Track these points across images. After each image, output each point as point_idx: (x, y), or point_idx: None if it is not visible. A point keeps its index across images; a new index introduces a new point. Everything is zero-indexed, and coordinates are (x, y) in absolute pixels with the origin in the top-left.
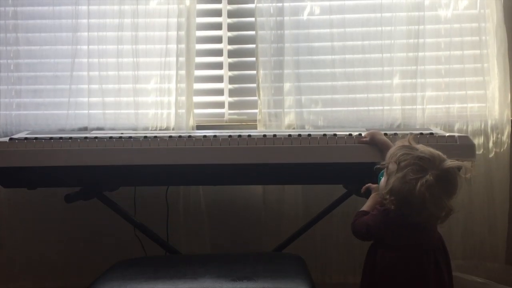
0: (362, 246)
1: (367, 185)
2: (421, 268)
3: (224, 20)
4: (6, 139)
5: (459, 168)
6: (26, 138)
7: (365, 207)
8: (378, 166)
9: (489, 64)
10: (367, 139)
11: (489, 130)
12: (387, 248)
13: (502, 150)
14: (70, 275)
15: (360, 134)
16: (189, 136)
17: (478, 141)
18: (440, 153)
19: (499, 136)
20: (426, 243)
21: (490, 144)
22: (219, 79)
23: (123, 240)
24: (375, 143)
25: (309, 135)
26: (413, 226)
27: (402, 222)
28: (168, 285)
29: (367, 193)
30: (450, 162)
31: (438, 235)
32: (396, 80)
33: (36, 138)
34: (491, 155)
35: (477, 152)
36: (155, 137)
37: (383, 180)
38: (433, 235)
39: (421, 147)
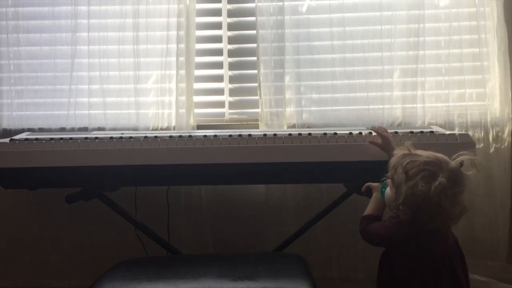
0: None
1: (367, 184)
2: (438, 276)
3: (224, 19)
4: (7, 140)
5: (461, 165)
6: (26, 139)
7: (370, 209)
8: (384, 179)
9: (489, 62)
10: (380, 142)
11: (489, 127)
12: (403, 258)
13: (503, 147)
14: (71, 275)
15: (360, 133)
16: (190, 136)
17: (478, 139)
18: (442, 155)
19: (500, 133)
20: (442, 249)
21: (490, 142)
22: (220, 78)
23: (124, 240)
24: (387, 151)
25: (310, 134)
26: (429, 233)
27: (417, 232)
28: (169, 285)
29: (368, 192)
30: (454, 162)
31: (453, 238)
32: (396, 79)
33: (36, 139)
34: (491, 151)
35: (477, 149)
36: (156, 137)
37: (388, 191)
38: (448, 239)
39: (422, 153)
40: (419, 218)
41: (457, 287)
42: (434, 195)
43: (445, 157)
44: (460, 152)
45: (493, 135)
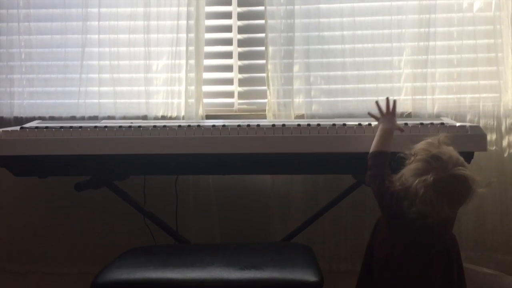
0: None
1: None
2: (424, 266)
3: (234, 9)
4: (17, 128)
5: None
6: (37, 127)
7: (379, 144)
8: (401, 155)
9: (503, 54)
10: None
11: (502, 119)
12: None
13: None
14: (80, 263)
15: (369, 124)
16: (198, 126)
17: (490, 130)
18: (462, 160)
19: None
20: (427, 239)
21: (503, 134)
22: (229, 68)
23: (133, 229)
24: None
25: (318, 124)
26: (412, 220)
27: (403, 214)
28: (177, 273)
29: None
30: (461, 170)
31: (451, 236)
32: (407, 70)
33: (46, 127)
34: (504, 143)
35: (489, 141)
36: (165, 126)
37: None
38: (438, 235)
39: (445, 148)
40: (403, 200)
41: (447, 281)
42: (415, 185)
43: (461, 163)
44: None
45: (505, 127)
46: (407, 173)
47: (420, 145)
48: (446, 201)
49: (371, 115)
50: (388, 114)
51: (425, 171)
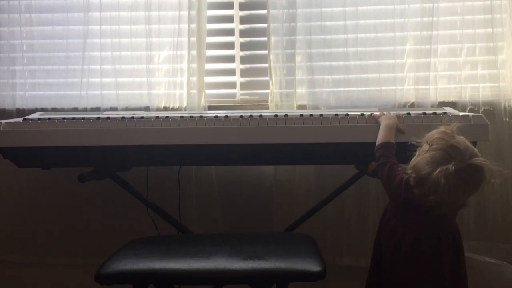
0: (374, 227)
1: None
2: (435, 254)
3: (235, 0)
4: (20, 119)
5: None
6: (39, 119)
7: (382, 137)
8: (413, 142)
9: (504, 43)
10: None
11: (502, 109)
12: (397, 219)
13: None
14: (84, 253)
15: (372, 114)
16: (201, 116)
17: (490, 120)
18: (476, 150)
19: None
20: (434, 229)
21: (504, 124)
22: (231, 59)
23: (136, 220)
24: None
25: (321, 115)
26: (424, 209)
27: (413, 202)
28: (180, 263)
29: (376, 172)
30: (480, 160)
31: (453, 226)
32: (410, 60)
33: (49, 119)
34: (504, 132)
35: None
36: (167, 117)
37: (414, 158)
38: (446, 223)
39: (460, 138)
40: (417, 189)
41: (449, 266)
42: (436, 175)
43: (476, 153)
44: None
45: (506, 117)
46: (422, 161)
47: (435, 134)
48: (463, 190)
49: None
50: (389, 113)
51: (444, 160)
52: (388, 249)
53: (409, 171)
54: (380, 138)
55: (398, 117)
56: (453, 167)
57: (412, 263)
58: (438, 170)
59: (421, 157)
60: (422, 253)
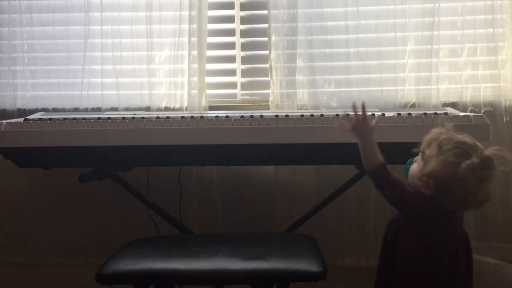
0: (375, 228)
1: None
2: (446, 260)
3: (236, 0)
4: (21, 119)
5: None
6: (40, 119)
7: (369, 160)
8: (414, 150)
9: (504, 43)
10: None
11: (503, 109)
12: (410, 231)
13: None
14: (85, 254)
15: (373, 115)
16: (201, 117)
17: (492, 120)
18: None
19: None
20: (451, 235)
21: (504, 124)
22: (232, 59)
23: (137, 220)
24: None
25: (322, 115)
26: (443, 214)
27: (435, 209)
28: (181, 263)
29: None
30: (498, 150)
31: (462, 231)
32: (411, 60)
33: (50, 119)
34: (504, 133)
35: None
36: (168, 117)
37: (414, 167)
38: (459, 228)
39: (460, 134)
40: (440, 196)
41: (458, 272)
42: (462, 172)
43: (482, 145)
44: (495, 147)
45: (506, 116)
46: (438, 165)
47: (437, 136)
48: (486, 182)
49: (343, 128)
50: (359, 124)
51: (462, 157)
52: (403, 259)
53: (425, 179)
54: (366, 163)
55: (364, 119)
56: (477, 159)
57: (429, 270)
58: (463, 166)
59: (433, 162)
60: (439, 260)
